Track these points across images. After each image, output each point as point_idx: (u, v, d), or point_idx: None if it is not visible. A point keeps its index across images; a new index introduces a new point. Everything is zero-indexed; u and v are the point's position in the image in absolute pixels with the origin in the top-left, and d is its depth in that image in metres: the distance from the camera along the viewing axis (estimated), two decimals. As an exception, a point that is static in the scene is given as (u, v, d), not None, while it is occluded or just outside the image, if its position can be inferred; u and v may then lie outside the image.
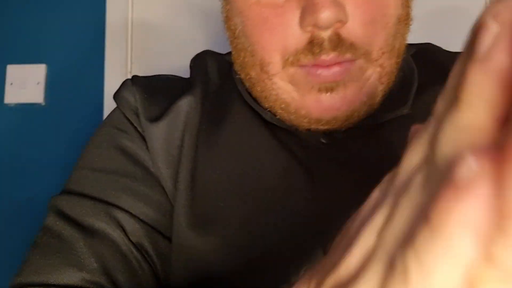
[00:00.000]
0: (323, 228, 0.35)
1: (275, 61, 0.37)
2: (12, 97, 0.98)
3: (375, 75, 0.38)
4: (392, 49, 0.38)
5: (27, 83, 0.97)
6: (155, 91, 0.46)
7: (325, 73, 0.36)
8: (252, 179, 0.39)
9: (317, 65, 0.36)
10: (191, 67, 0.48)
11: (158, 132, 0.42)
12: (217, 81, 0.46)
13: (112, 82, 0.94)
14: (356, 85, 0.37)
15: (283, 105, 0.39)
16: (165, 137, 0.42)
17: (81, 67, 0.98)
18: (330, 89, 0.37)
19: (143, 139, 0.43)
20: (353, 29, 0.36)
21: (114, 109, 0.47)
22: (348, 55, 0.36)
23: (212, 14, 0.92)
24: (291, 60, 0.37)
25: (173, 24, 0.95)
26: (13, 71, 0.98)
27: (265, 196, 0.39)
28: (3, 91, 0.98)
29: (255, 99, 0.43)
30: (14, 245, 0.83)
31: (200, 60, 0.48)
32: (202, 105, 0.43)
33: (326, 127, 0.39)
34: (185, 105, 0.43)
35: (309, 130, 0.41)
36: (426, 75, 0.44)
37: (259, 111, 0.43)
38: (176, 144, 0.42)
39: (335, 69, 0.36)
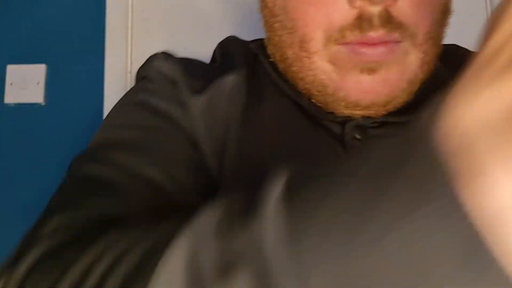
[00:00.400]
0: None
1: (317, 38, 0.36)
2: (12, 97, 0.98)
3: (418, 62, 0.37)
4: (436, 37, 0.38)
5: (27, 83, 0.97)
6: (192, 65, 0.44)
7: (370, 51, 0.35)
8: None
9: (363, 43, 0.35)
10: (219, 51, 0.47)
11: (201, 105, 0.40)
12: (249, 69, 0.44)
13: (112, 82, 0.94)
14: (398, 69, 0.36)
15: (320, 87, 0.38)
16: (209, 112, 0.40)
17: (81, 67, 0.98)
18: (372, 70, 0.35)
19: (182, 107, 0.40)
20: (403, 8, 0.35)
21: (141, 81, 0.43)
22: (395, 35, 0.35)
23: (213, 14, 0.92)
24: (335, 37, 0.35)
25: (173, 24, 0.95)
26: (13, 71, 0.98)
27: None
28: (3, 91, 0.98)
29: (289, 86, 0.42)
30: (13, 245, 0.83)
31: (230, 46, 0.47)
32: (247, 85, 0.42)
33: (362, 112, 0.38)
34: (230, 82, 0.41)
35: (343, 121, 0.40)
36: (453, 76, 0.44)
37: (295, 97, 0.41)
38: (221, 122, 0.40)
39: (381, 48, 0.35)
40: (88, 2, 0.99)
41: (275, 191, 0.22)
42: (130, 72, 0.94)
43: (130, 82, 0.94)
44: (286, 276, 0.19)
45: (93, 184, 0.34)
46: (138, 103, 0.40)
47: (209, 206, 0.24)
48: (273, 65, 0.44)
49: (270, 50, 0.43)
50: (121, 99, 0.43)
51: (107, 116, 0.42)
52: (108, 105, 0.93)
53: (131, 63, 0.94)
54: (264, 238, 0.20)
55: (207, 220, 0.23)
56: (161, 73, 0.42)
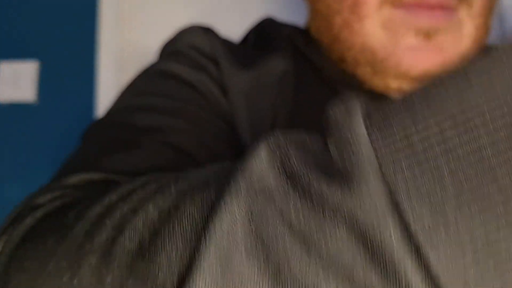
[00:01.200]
0: None
1: (371, 1, 0.35)
2: (4, 94, 0.97)
3: (471, 36, 0.36)
4: (489, 13, 0.37)
5: (20, 81, 0.96)
6: (232, 43, 0.41)
7: (427, 14, 0.33)
8: None
9: (419, 5, 0.33)
10: (254, 33, 0.45)
11: (244, 83, 0.37)
12: (288, 54, 0.42)
13: (105, 79, 0.94)
14: (454, 38, 0.35)
15: (368, 55, 0.36)
16: (254, 93, 0.37)
17: (74, 64, 0.97)
18: (428, 34, 0.34)
19: (220, 86, 0.37)
20: None
21: (167, 56, 0.40)
22: (453, 1, 0.34)
23: (211, 11, 0.92)
24: (391, 0, 0.34)
25: (168, 19, 0.94)
26: (5, 68, 0.97)
27: None
28: (-5, 88, 0.97)
29: (331, 65, 0.40)
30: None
31: (270, 27, 0.45)
32: (295, 71, 0.39)
33: (412, 84, 0.36)
34: (280, 66, 0.39)
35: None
36: None
37: (338, 81, 0.39)
38: (268, 107, 0.37)
39: (438, 13, 0.33)
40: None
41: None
42: (123, 69, 0.93)
43: (123, 80, 0.94)
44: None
45: (114, 145, 0.29)
46: (165, 72, 0.37)
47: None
48: (313, 50, 0.41)
49: (313, 24, 0.41)
50: (144, 69, 0.39)
51: (128, 84, 0.38)
52: (101, 102, 0.93)
53: (125, 61, 0.94)
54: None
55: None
56: (197, 48, 0.39)
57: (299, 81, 0.39)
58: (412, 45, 0.34)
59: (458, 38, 0.35)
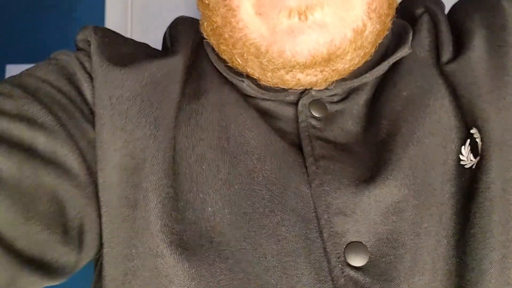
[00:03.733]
0: (327, 239, 0.30)
1: None
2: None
3: (363, 6, 0.31)
4: None
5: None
6: (119, 41, 0.38)
7: None
8: (243, 174, 0.32)
9: None
10: (168, 35, 0.42)
11: (120, 81, 0.33)
12: (195, 53, 0.39)
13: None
14: (336, 11, 0.30)
15: (252, 49, 0.32)
16: (130, 89, 0.33)
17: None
18: (302, 13, 0.30)
19: (90, 77, 0.34)
20: None
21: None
22: None
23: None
24: None
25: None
26: (12, 71, 0.98)
27: (260, 199, 0.32)
28: (2, 91, 0.98)
29: (227, 67, 0.37)
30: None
31: (178, 29, 0.41)
32: (184, 74, 0.36)
33: (305, 73, 0.33)
34: (162, 68, 0.35)
35: (296, 100, 0.35)
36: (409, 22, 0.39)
37: (233, 80, 0.36)
38: (148, 113, 0.33)
39: None
40: (87, 2, 0.99)
41: None
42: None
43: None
44: None
45: None
46: (57, 63, 0.36)
47: None
48: (213, 47, 0.38)
49: (203, 28, 0.38)
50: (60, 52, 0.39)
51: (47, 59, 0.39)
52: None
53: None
54: None
55: None
56: (79, 42, 0.37)
57: (192, 85, 0.37)
58: (289, 28, 0.30)
59: (343, 9, 0.31)
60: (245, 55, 0.33)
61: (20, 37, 1.00)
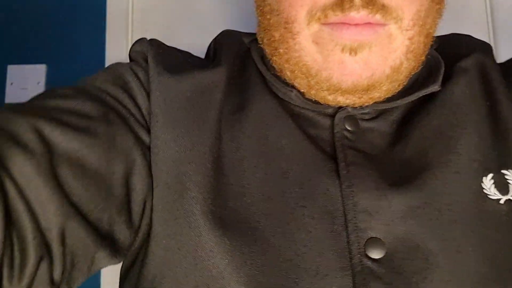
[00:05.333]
0: (351, 233, 0.35)
1: (300, 18, 0.36)
2: (12, 97, 0.98)
3: (403, 48, 0.37)
4: (423, 25, 0.37)
5: (27, 83, 0.97)
6: (170, 52, 0.44)
7: (351, 31, 0.35)
8: (278, 174, 0.38)
9: (345, 23, 0.35)
10: (213, 46, 0.47)
11: (173, 86, 0.39)
12: (239, 65, 0.44)
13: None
14: (381, 52, 0.36)
15: (304, 69, 0.38)
16: (182, 93, 0.40)
17: (81, 67, 0.98)
18: (354, 50, 0.35)
19: (146, 91, 0.40)
20: None
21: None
22: (378, 16, 0.35)
23: (212, 15, 0.92)
24: (318, 16, 0.36)
25: (173, 24, 0.95)
26: (13, 71, 0.98)
27: (293, 196, 0.37)
28: (4, 91, 0.98)
29: (275, 77, 0.42)
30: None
31: (222, 41, 0.46)
32: (227, 84, 0.41)
33: (345, 97, 0.38)
34: (207, 78, 0.41)
35: (333, 113, 0.40)
36: (451, 63, 0.43)
37: (281, 91, 0.41)
38: (196, 120, 0.39)
39: (363, 29, 0.35)
40: (88, 2, 0.99)
41: None
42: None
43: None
44: None
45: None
46: (115, 74, 0.41)
47: None
48: (263, 57, 0.44)
49: (259, 35, 0.43)
50: (115, 64, 0.44)
51: (103, 70, 0.43)
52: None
53: (131, 63, 0.95)
54: None
55: None
56: (137, 53, 0.43)
57: (236, 95, 0.41)
58: (340, 59, 0.36)
59: (387, 52, 0.36)
60: (295, 72, 0.39)
61: (21, 38, 1.00)
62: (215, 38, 0.48)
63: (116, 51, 0.95)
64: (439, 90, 0.41)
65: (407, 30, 0.37)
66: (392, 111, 0.41)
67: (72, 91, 0.37)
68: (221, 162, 0.38)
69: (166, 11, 0.95)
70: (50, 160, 0.31)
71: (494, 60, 0.43)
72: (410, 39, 0.37)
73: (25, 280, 0.29)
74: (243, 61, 0.45)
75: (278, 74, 0.42)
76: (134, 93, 0.39)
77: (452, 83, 0.41)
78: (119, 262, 0.37)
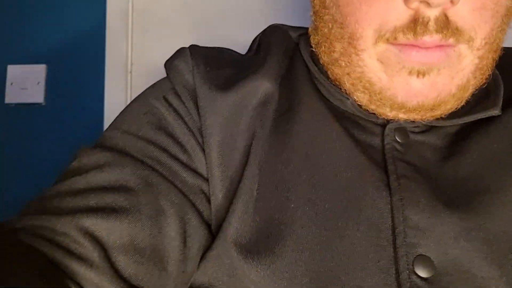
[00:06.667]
0: (400, 247, 0.33)
1: (367, 36, 0.34)
2: (12, 97, 0.98)
3: (471, 67, 0.35)
4: (494, 42, 0.35)
5: (27, 83, 0.97)
6: (219, 62, 0.42)
7: (421, 55, 0.33)
8: (325, 179, 0.36)
9: (414, 45, 0.33)
10: (259, 40, 0.45)
11: (223, 104, 0.38)
12: (287, 62, 0.42)
13: (112, 82, 0.94)
14: (449, 73, 0.34)
15: (367, 84, 0.36)
16: (232, 113, 0.38)
17: (81, 67, 0.98)
18: (422, 73, 0.33)
19: (193, 119, 0.39)
20: (462, 12, 0.32)
21: (164, 78, 0.42)
22: (451, 40, 0.33)
23: (213, 15, 0.92)
24: (387, 37, 0.34)
25: (174, 24, 0.95)
26: (13, 71, 0.98)
27: (337, 203, 0.35)
28: (4, 91, 0.98)
29: (328, 80, 0.40)
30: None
31: (270, 37, 0.44)
32: (279, 91, 0.40)
33: (407, 115, 0.37)
34: (261, 87, 0.39)
35: (384, 123, 0.39)
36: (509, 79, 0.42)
37: (334, 97, 0.40)
38: (245, 131, 0.38)
39: (434, 52, 0.33)
40: (88, 2, 0.99)
41: None
42: (131, 72, 0.94)
43: (130, 82, 0.94)
44: None
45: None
46: (149, 111, 0.39)
47: None
48: (313, 58, 0.42)
49: (315, 40, 0.41)
50: (141, 95, 0.42)
51: (123, 111, 0.41)
52: (108, 105, 0.93)
53: (131, 64, 0.94)
54: None
55: None
56: (180, 75, 0.41)
57: (287, 101, 0.40)
58: (406, 81, 0.34)
59: (456, 72, 0.35)
60: (357, 86, 0.37)
61: (21, 38, 1.00)
62: (263, 32, 0.46)
63: (116, 51, 0.95)
64: (501, 113, 0.39)
65: (478, 49, 0.34)
66: (445, 126, 0.39)
67: (107, 156, 0.35)
68: (266, 164, 0.37)
69: (166, 11, 0.95)
70: (106, 258, 0.31)
71: None
72: (480, 57, 0.35)
73: None
74: (290, 57, 0.43)
75: (335, 82, 0.40)
76: (173, 131, 0.38)
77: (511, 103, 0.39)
78: None
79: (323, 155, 0.37)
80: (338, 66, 0.38)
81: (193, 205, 0.36)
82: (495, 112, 0.38)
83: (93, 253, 0.30)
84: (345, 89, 0.39)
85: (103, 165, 0.34)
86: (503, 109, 0.39)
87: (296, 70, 0.42)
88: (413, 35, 0.32)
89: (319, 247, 0.34)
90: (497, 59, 0.38)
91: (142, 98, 0.41)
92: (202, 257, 0.36)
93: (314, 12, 0.41)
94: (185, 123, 0.38)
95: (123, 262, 0.31)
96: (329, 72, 0.40)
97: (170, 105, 0.39)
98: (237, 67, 0.42)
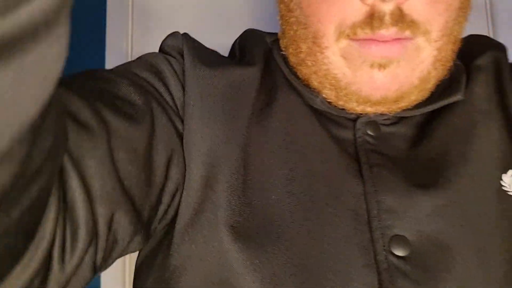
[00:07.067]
0: (375, 230, 0.35)
1: (329, 34, 0.37)
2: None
3: (430, 59, 0.37)
4: (450, 34, 0.38)
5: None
6: (202, 47, 0.44)
7: (379, 48, 0.35)
8: (303, 171, 0.38)
9: (373, 40, 0.35)
10: (238, 45, 0.48)
11: (209, 80, 0.40)
12: (265, 63, 0.44)
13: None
14: (409, 65, 0.37)
15: (333, 81, 0.39)
16: (217, 88, 0.40)
17: (81, 67, 0.98)
18: (382, 66, 0.36)
19: (180, 83, 0.40)
20: (416, 6, 0.35)
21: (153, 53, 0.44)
22: (407, 32, 0.35)
23: (212, 14, 0.92)
24: (347, 33, 0.36)
25: (174, 24, 0.95)
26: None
27: (316, 193, 0.37)
28: (4, 91, 0.98)
29: (299, 81, 0.42)
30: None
31: (249, 40, 0.47)
32: (260, 81, 0.42)
33: (374, 108, 0.39)
34: (243, 75, 0.41)
35: (355, 117, 0.41)
36: (468, 61, 0.44)
37: (305, 96, 0.42)
38: (225, 111, 0.39)
39: (392, 45, 0.35)
40: (88, 2, 0.99)
41: None
42: (130, 72, 0.94)
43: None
44: None
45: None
46: (151, 66, 0.41)
47: None
48: (285, 60, 0.44)
49: (284, 43, 0.44)
50: (149, 54, 0.44)
51: (138, 58, 0.43)
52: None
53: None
54: None
55: None
56: (172, 46, 0.43)
57: (266, 93, 0.42)
58: (369, 75, 0.36)
59: (415, 64, 0.37)
60: (324, 83, 0.39)
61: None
62: (240, 37, 0.48)
63: (116, 51, 0.95)
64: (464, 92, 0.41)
65: (435, 41, 0.36)
66: (413, 116, 0.42)
67: (113, 76, 0.37)
68: (249, 157, 0.38)
69: (166, 11, 0.95)
70: (108, 142, 0.31)
71: (507, 59, 0.44)
72: (438, 49, 0.37)
73: (74, 263, 0.28)
74: (268, 60, 0.45)
75: (304, 82, 0.42)
76: (168, 82, 0.39)
77: (471, 82, 0.42)
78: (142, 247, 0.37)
79: (301, 149, 0.39)
80: (305, 66, 0.40)
81: (181, 147, 0.38)
82: (458, 97, 0.41)
83: (96, 128, 0.31)
84: (314, 88, 0.41)
85: (113, 80, 0.36)
86: (465, 88, 0.42)
87: (273, 71, 0.44)
88: (371, 29, 0.35)
89: (301, 236, 0.35)
90: (456, 50, 0.40)
91: (139, 58, 0.42)
92: (185, 239, 0.37)
93: (280, 17, 0.43)
94: (170, 93, 0.40)
95: (122, 158, 0.32)
96: (298, 73, 0.42)
97: (171, 65, 0.41)
98: (223, 58, 0.44)
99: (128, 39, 0.95)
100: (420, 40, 0.36)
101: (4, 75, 0.15)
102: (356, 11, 0.35)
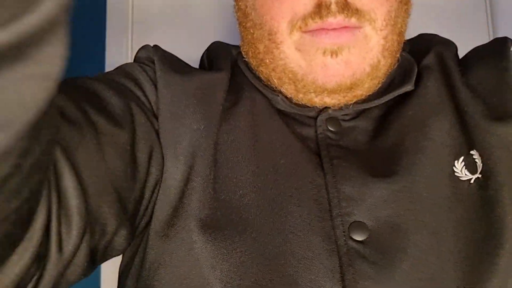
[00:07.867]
0: (336, 218, 0.38)
1: (282, 29, 0.40)
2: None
3: (379, 47, 0.41)
4: (394, 25, 0.41)
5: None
6: (173, 57, 0.47)
7: (330, 35, 0.38)
8: (268, 167, 0.41)
9: (323, 29, 0.38)
10: (206, 56, 0.50)
11: (179, 84, 0.42)
12: (232, 72, 0.47)
13: (112, 82, 0.94)
14: (359, 52, 0.40)
15: (290, 75, 0.41)
16: (187, 90, 0.42)
17: (81, 67, 0.98)
18: (334, 52, 0.39)
19: (154, 86, 0.42)
20: None
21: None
22: (353, 20, 0.38)
23: (212, 16, 0.92)
24: (298, 25, 0.39)
25: (173, 24, 0.95)
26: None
27: (280, 186, 0.40)
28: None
29: (264, 85, 0.45)
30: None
31: (217, 51, 0.50)
32: (228, 83, 0.44)
33: (331, 97, 0.41)
34: (213, 78, 0.44)
35: (316, 115, 0.43)
36: (418, 61, 0.47)
37: (268, 96, 0.44)
38: (195, 112, 0.42)
39: (341, 33, 0.38)
40: (88, 2, 0.99)
41: None
42: (130, 72, 0.94)
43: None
44: None
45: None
46: (127, 74, 0.43)
47: None
48: (248, 65, 0.47)
49: (244, 49, 0.47)
50: (126, 64, 0.46)
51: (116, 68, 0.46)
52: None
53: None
54: None
55: None
56: (143, 58, 0.46)
57: (233, 93, 0.44)
58: (322, 63, 0.39)
59: (365, 51, 0.40)
60: (283, 78, 0.42)
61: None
62: (208, 49, 0.52)
63: (116, 51, 0.95)
64: (414, 88, 0.44)
65: (381, 30, 0.40)
66: (371, 110, 0.44)
67: (94, 81, 0.39)
68: (218, 154, 0.41)
69: (166, 11, 0.95)
70: (97, 137, 0.33)
71: (451, 51, 0.47)
72: (384, 38, 0.41)
73: (71, 249, 0.29)
74: (235, 68, 0.48)
75: (265, 83, 0.45)
76: (144, 88, 0.42)
77: (423, 78, 0.45)
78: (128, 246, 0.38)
79: (266, 146, 0.41)
80: (264, 65, 0.43)
81: (159, 145, 0.40)
82: (409, 87, 0.44)
83: (84, 124, 0.33)
84: (275, 86, 0.44)
85: (94, 86, 0.38)
86: (417, 84, 0.44)
87: (239, 78, 0.47)
88: (320, 18, 0.38)
89: (266, 227, 0.38)
90: (402, 43, 0.44)
91: (116, 69, 0.45)
92: (160, 235, 0.39)
93: (239, 24, 0.46)
94: (146, 95, 0.42)
95: (110, 151, 0.34)
96: (259, 74, 0.45)
97: (145, 71, 0.43)
98: (190, 67, 0.47)
99: (128, 39, 0.95)
100: (368, 29, 0.39)
101: (8, 79, 0.16)
102: (305, 4, 0.39)
